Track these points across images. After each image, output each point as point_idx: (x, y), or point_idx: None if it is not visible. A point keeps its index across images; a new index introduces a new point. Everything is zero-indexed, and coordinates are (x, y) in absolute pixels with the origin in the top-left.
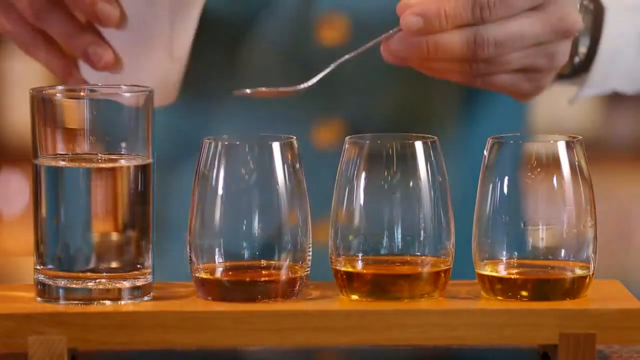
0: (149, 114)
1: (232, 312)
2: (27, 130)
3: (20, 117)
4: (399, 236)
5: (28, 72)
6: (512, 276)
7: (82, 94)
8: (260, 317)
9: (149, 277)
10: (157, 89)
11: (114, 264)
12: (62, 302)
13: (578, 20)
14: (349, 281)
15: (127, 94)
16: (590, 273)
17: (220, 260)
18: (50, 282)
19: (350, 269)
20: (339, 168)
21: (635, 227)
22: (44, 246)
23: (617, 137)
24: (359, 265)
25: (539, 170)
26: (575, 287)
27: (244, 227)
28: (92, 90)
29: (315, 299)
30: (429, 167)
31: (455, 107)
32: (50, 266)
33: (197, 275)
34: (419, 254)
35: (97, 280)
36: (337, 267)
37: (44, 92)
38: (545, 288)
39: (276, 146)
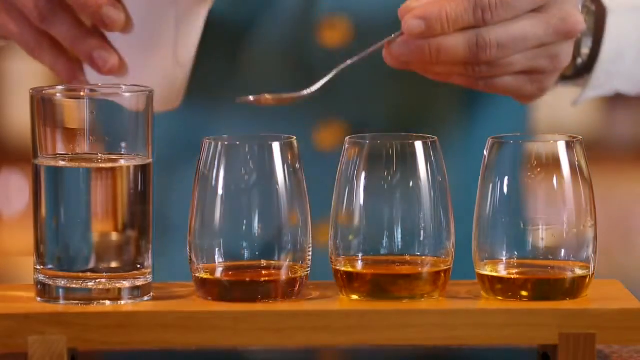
0: (148, 114)
1: (232, 312)
2: (27, 130)
3: (20, 117)
4: (399, 236)
5: (28, 72)
6: (512, 276)
7: (82, 94)
8: (260, 317)
9: (149, 277)
10: (161, 94)
11: (113, 264)
12: (62, 302)
13: (580, 21)
14: (349, 281)
15: (127, 94)
16: (590, 273)
17: (220, 260)
18: (50, 282)
19: (350, 269)
20: (339, 168)
21: (635, 227)
22: (44, 246)
23: (618, 138)
24: (359, 265)
25: (539, 170)
26: (575, 287)
27: (244, 227)
28: (92, 90)
29: (315, 299)
30: (429, 167)
31: (457, 108)
32: (50, 266)
33: (197, 275)
34: (419, 254)
35: (97, 280)
36: (337, 267)
37: (44, 92)
38: (545, 288)
39: (276, 146)
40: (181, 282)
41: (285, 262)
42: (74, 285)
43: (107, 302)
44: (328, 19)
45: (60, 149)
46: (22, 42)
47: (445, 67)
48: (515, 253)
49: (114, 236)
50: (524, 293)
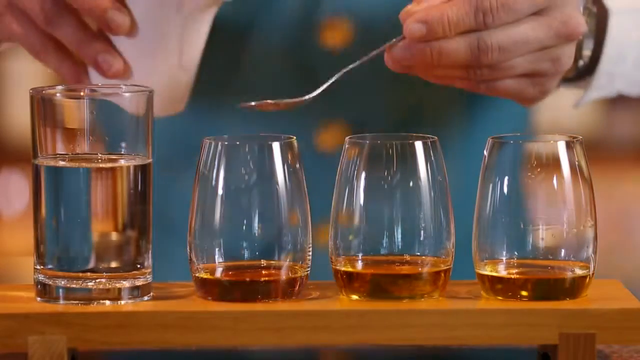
0: (148, 114)
1: (232, 312)
2: (27, 130)
3: (20, 117)
4: (399, 236)
5: (28, 72)
6: (512, 276)
7: (82, 94)
8: (260, 317)
9: (149, 277)
10: (166, 98)
11: (113, 264)
12: (62, 302)
13: (582, 24)
14: (349, 281)
15: (127, 94)
16: (590, 273)
17: (220, 260)
18: (50, 282)
19: (350, 269)
20: (339, 168)
21: (635, 227)
22: (43, 246)
23: (618, 138)
24: (359, 265)
25: (539, 170)
26: (575, 287)
27: (244, 227)
28: (92, 91)
29: (315, 299)
30: (429, 167)
31: (458, 108)
32: (50, 266)
33: (197, 275)
34: (419, 254)
35: (97, 280)
36: (337, 267)
37: (43, 92)
38: (545, 288)
39: (276, 146)
40: (181, 282)
41: (285, 262)
42: (74, 285)
43: (107, 302)
44: (330, 21)
45: (60, 149)
46: (28, 45)
47: (446, 70)
48: (515, 253)
49: (114, 236)
50: (524, 293)
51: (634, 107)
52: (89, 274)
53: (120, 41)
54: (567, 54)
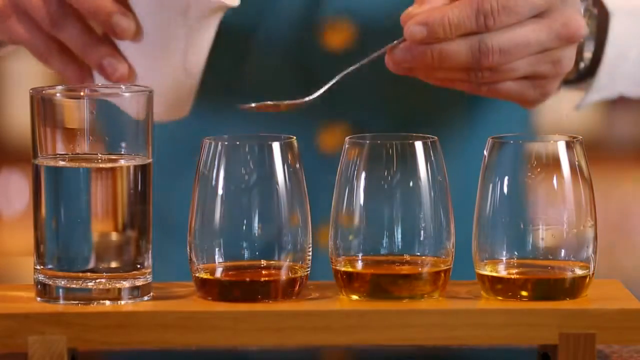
0: (148, 114)
1: (232, 312)
2: (27, 130)
3: (20, 117)
4: (399, 236)
5: (28, 72)
6: (512, 276)
7: (82, 94)
8: (260, 317)
9: (149, 277)
10: (170, 102)
11: (113, 264)
12: (61, 302)
13: (582, 26)
14: (349, 281)
15: (127, 94)
16: (590, 273)
17: (220, 260)
18: (50, 282)
19: (350, 269)
20: (339, 168)
21: (635, 227)
22: (44, 246)
23: (618, 138)
24: (359, 265)
25: (539, 170)
26: (575, 287)
27: (244, 227)
28: (92, 90)
29: (315, 299)
30: (429, 167)
31: (459, 109)
32: (50, 266)
33: (197, 275)
34: (419, 254)
35: (97, 280)
36: (337, 267)
37: (43, 92)
38: (545, 288)
39: (276, 146)
40: (181, 282)
41: (285, 262)
42: (73, 285)
43: (107, 302)
44: (331, 22)
45: (60, 149)
46: (32, 48)
47: (447, 73)
48: (515, 253)
49: (114, 236)
50: (524, 293)
51: (634, 108)
52: (89, 274)
53: (125, 46)
54: (568, 56)
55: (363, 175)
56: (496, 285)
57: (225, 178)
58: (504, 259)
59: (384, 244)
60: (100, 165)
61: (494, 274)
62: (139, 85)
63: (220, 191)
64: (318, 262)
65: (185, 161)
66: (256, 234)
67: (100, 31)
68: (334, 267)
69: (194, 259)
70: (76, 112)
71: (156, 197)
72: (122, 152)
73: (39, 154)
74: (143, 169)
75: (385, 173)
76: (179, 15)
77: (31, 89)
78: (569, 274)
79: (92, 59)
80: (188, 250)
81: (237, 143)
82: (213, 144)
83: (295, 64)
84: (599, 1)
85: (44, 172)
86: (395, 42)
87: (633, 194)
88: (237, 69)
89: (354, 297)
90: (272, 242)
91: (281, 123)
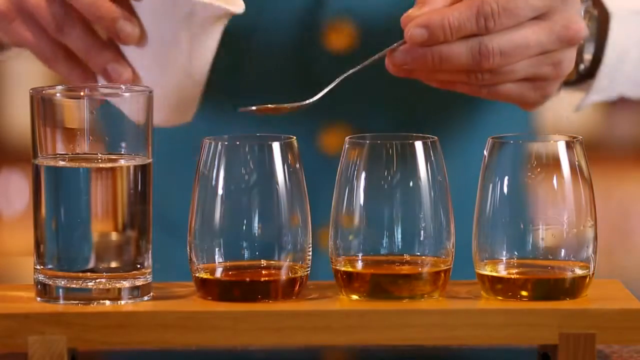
0: (148, 114)
1: (232, 312)
2: (27, 130)
3: (20, 117)
4: (399, 236)
5: (28, 72)
6: (512, 276)
7: (82, 94)
8: (260, 317)
9: (149, 277)
10: (174, 108)
11: (113, 264)
12: (61, 302)
13: (583, 28)
14: (349, 281)
15: (127, 94)
16: (590, 273)
17: (220, 260)
18: (50, 282)
19: (350, 269)
20: (339, 168)
21: (635, 227)
22: (44, 246)
23: (618, 138)
24: (359, 265)
25: (539, 170)
26: (575, 287)
27: (244, 227)
28: (92, 90)
29: (315, 299)
30: (429, 167)
31: (459, 109)
32: (50, 266)
33: (197, 275)
34: (419, 254)
35: (97, 280)
36: (337, 267)
37: (43, 92)
38: (545, 288)
39: (276, 146)
40: (181, 282)
41: (285, 262)
42: (73, 285)
43: (107, 302)
44: (334, 23)
45: (60, 149)
46: (38, 52)
47: (447, 75)
48: (515, 253)
49: (114, 236)
50: (524, 293)
51: (634, 108)
52: (89, 274)
53: (129, 51)
54: (568, 58)
55: (363, 175)
56: (496, 285)
57: (225, 178)
58: (504, 259)
59: (384, 244)
60: (100, 165)
61: (494, 274)
62: (138, 86)
63: (220, 191)
64: (318, 262)
65: (185, 161)
66: (256, 234)
67: (105, 36)
68: (334, 267)
69: (194, 259)
70: (76, 112)
71: (156, 197)
72: (122, 152)
73: (39, 154)
74: (143, 169)
75: (385, 173)
76: (183, 22)
77: (31, 89)
78: (569, 274)
79: (96, 63)
80: (188, 250)
81: (237, 143)
82: (213, 144)
83: (296, 65)
84: (600, 3)
85: (44, 172)
86: (395, 44)
87: (633, 194)
88: (238, 70)
89: (354, 297)
90: (272, 242)
91: (283, 124)
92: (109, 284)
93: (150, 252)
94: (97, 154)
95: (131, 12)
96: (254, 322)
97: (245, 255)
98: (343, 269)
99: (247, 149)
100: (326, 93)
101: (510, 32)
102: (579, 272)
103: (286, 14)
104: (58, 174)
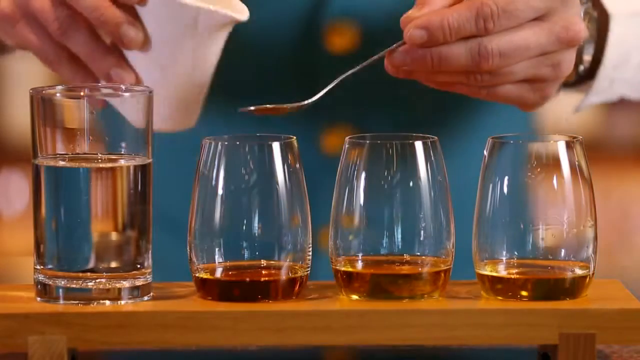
0: (148, 115)
1: (232, 312)
2: (27, 130)
3: (20, 117)
4: (399, 236)
5: (28, 72)
6: (512, 276)
7: (81, 94)
8: (260, 317)
9: (149, 277)
10: (177, 113)
11: (113, 264)
12: (61, 302)
13: (582, 29)
14: (349, 281)
15: (127, 94)
16: (590, 273)
17: (220, 260)
18: (50, 282)
19: (350, 269)
20: (339, 168)
21: (635, 227)
22: (44, 246)
23: (618, 138)
24: (359, 265)
25: (539, 170)
26: (575, 287)
27: (244, 227)
28: (92, 91)
29: (315, 299)
30: (429, 167)
31: (460, 109)
32: (50, 266)
33: (197, 275)
34: (419, 254)
35: (97, 280)
36: (337, 267)
37: (43, 92)
38: (545, 288)
39: (276, 146)
40: (181, 282)
41: (285, 262)
42: (73, 285)
43: (107, 302)
44: (335, 24)
45: (60, 149)
46: (42, 55)
47: (447, 76)
48: (515, 253)
49: (114, 236)
50: (524, 293)
51: (634, 108)
52: (88, 274)
53: (132, 56)
54: (568, 59)
55: (363, 175)
56: (496, 285)
57: (225, 178)
58: (504, 259)
59: (384, 244)
60: (100, 165)
61: (494, 274)
62: (139, 86)
63: (220, 191)
64: (318, 262)
65: (186, 161)
66: (256, 234)
67: (109, 41)
68: (334, 267)
69: (194, 259)
70: (76, 112)
71: (156, 197)
72: (122, 152)
73: (39, 154)
74: (143, 169)
75: (385, 173)
76: (187, 28)
77: (31, 89)
78: (569, 274)
79: (99, 68)
80: (188, 250)
81: (237, 143)
82: (213, 144)
83: (297, 66)
84: (599, 4)
85: (44, 172)
86: (394, 45)
87: (633, 194)
88: (239, 70)
89: (354, 297)
90: (272, 242)
91: (283, 124)
92: (109, 284)
93: (150, 252)
94: (97, 154)
95: (135, 17)
96: (254, 322)
97: (245, 255)
98: (343, 269)
99: (247, 149)
100: (326, 93)
101: (509, 33)
102: (579, 272)
103: (287, 15)
104: (58, 174)
